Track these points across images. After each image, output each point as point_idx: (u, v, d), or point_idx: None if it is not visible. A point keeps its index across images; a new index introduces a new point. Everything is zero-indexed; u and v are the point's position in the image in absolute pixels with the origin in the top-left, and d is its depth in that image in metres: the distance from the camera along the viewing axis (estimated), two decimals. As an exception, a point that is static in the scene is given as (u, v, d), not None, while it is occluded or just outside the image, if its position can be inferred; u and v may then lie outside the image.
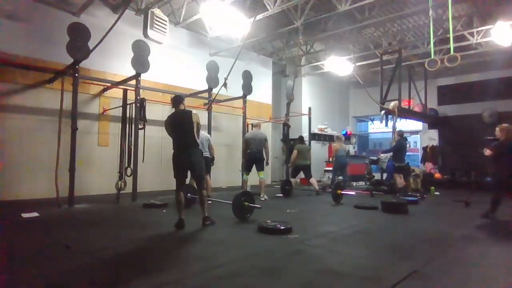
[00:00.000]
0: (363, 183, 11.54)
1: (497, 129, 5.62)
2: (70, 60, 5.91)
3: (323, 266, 2.90)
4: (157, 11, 7.23)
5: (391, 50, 10.31)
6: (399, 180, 7.87)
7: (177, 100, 4.42)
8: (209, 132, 8.06)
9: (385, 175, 9.70)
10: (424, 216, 5.68)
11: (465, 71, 11.56)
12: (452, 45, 6.07)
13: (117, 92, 7.17)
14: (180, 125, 4.25)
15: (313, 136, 12.15)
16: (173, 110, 4.52)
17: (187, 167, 4.36)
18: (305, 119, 11.91)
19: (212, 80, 8.10)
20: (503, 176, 5.46)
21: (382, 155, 9.52)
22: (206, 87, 8.20)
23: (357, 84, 12.85)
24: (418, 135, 14.03)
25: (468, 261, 3.26)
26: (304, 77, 13.05)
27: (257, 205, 4.89)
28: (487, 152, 5.72)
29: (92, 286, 2.49)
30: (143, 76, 6.69)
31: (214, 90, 7.81)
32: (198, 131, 4.30)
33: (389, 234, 4.36)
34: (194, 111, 4.41)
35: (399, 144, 8.07)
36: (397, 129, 8.74)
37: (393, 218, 5.39)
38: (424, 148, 12.32)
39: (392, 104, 8.76)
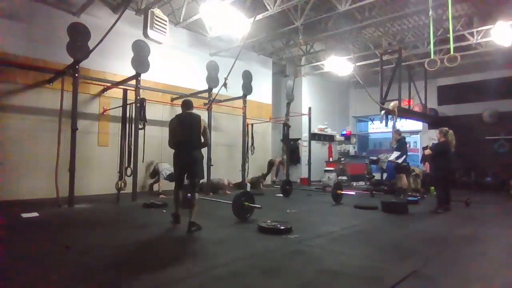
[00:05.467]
0: (363, 183, 11.54)
1: (437, 131, 6.29)
2: (70, 60, 5.90)
3: (323, 266, 2.90)
4: (157, 11, 7.22)
5: (391, 50, 10.30)
6: (404, 180, 7.84)
7: (189, 104, 4.54)
8: (209, 132, 8.04)
9: (385, 175, 9.69)
10: (424, 216, 5.68)
11: (465, 71, 11.55)
12: (452, 45, 6.05)
13: (117, 92, 7.17)
14: (190, 126, 4.36)
15: (313, 136, 12.16)
16: (173, 111, 4.54)
17: (187, 165, 4.39)
18: (305, 119, 11.91)
19: (212, 80, 8.09)
20: (440, 173, 6.09)
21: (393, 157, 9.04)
22: (206, 87, 8.19)
23: (357, 84, 12.86)
24: (418, 135, 14.02)
25: (468, 261, 3.26)
26: (304, 77, 13.04)
27: (257, 205, 4.89)
28: (427, 152, 6.50)
29: (93, 286, 2.49)
30: (143, 76, 6.68)
31: (214, 90, 7.80)
32: (206, 133, 4.46)
33: (389, 234, 4.36)
34: (202, 117, 4.53)
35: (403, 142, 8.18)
36: (395, 129, 8.72)
37: (393, 218, 5.39)
38: (424, 148, 12.30)
39: (392, 104, 8.74)
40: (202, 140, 4.43)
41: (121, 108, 6.68)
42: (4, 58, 6.10)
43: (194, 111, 4.58)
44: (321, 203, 6.99)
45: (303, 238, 3.81)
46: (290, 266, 2.91)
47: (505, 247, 3.94)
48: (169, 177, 7.21)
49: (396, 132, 8.36)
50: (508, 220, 5.69)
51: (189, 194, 5.47)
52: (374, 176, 11.04)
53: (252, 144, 10.00)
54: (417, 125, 13.24)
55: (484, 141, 11.25)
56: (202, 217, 4.90)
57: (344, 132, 14.01)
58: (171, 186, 7.44)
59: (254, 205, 4.89)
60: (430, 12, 6.20)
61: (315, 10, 8.54)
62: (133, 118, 6.51)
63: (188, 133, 4.33)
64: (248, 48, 10.46)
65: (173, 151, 4.51)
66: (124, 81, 6.82)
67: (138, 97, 6.44)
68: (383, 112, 8.84)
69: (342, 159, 12.45)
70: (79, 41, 5.80)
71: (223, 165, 9.37)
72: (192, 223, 4.13)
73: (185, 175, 4.47)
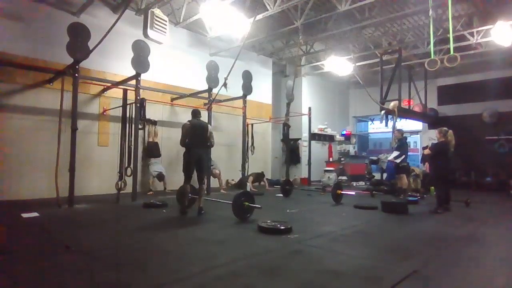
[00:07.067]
0: (363, 183, 11.54)
1: (436, 131, 6.30)
2: (70, 60, 5.90)
3: (323, 266, 2.90)
4: (157, 11, 7.22)
5: (391, 50, 10.30)
6: (404, 180, 7.82)
7: (198, 113, 5.52)
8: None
9: (385, 175, 9.69)
10: (424, 216, 5.68)
11: (465, 71, 11.55)
12: (452, 45, 6.05)
13: (117, 92, 7.17)
14: (200, 130, 5.33)
15: (313, 136, 12.16)
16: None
17: (197, 161, 5.22)
18: (305, 119, 11.91)
19: (212, 80, 8.09)
20: (440, 173, 6.11)
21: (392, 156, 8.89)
22: (206, 87, 8.19)
23: (357, 84, 12.85)
24: (418, 135, 14.01)
25: (468, 261, 3.26)
26: (304, 77, 13.04)
27: (257, 205, 4.89)
28: (426, 151, 6.55)
29: (93, 286, 2.49)
30: (143, 76, 6.68)
31: (214, 90, 7.80)
32: (211, 137, 5.50)
33: (389, 234, 4.36)
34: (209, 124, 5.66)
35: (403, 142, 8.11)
36: (397, 128, 8.68)
37: (393, 218, 5.39)
38: (424, 148, 12.29)
39: (392, 104, 8.74)
40: (209, 143, 5.42)
41: (121, 108, 6.68)
42: (4, 58, 6.09)
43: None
44: (321, 203, 6.99)
45: (303, 238, 3.81)
46: (290, 266, 2.91)
47: (505, 247, 3.94)
48: (158, 177, 7.66)
49: (398, 131, 8.30)
50: (508, 220, 5.69)
51: (189, 194, 5.60)
52: (374, 176, 11.05)
53: (252, 144, 10.00)
54: (417, 125, 13.24)
55: (484, 141, 11.25)
56: (202, 217, 4.91)
57: (344, 132, 14.01)
58: (161, 185, 7.74)
59: (254, 205, 4.89)
60: (430, 12, 6.20)
61: (315, 10, 8.55)
62: (133, 118, 6.51)
63: (200, 136, 5.28)
64: (248, 48, 10.46)
65: (180, 150, 5.31)
66: (124, 81, 6.81)
67: (138, 97, 6.44)
68: (383, 112, 8.84)
69: (342, 159, 12.46)
70: (79, 41, 5.79)
71: (223, 165, 9.36)
72: (200, 208, 5.21)
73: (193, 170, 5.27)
